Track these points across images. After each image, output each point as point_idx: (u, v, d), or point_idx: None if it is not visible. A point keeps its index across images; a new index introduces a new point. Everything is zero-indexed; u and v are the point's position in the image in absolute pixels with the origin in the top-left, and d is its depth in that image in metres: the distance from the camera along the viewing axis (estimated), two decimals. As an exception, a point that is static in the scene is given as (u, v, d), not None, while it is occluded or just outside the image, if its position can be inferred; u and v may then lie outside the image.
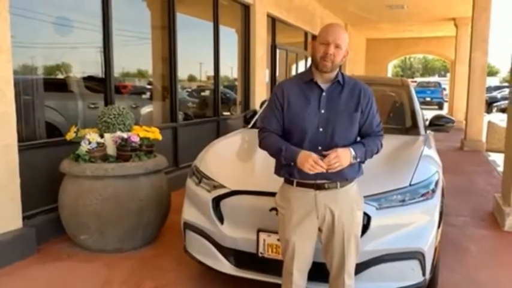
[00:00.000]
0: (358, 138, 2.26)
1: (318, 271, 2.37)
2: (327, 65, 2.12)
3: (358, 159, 2.15)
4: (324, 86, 2.19)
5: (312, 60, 2.19)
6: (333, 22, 2.30)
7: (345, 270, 2.23)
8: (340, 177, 2.16)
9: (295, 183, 2.20)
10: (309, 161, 2.02)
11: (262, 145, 2.28)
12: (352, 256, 2.24)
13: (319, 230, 2.23)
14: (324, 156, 2.06)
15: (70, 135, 3.79)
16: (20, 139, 3.65)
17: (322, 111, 2.16)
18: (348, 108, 2.18)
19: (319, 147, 2.12)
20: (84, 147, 3.62)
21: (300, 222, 2.19)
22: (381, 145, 2.29)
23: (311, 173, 2.04)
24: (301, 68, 12.53)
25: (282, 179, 2.31)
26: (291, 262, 2.24)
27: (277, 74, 10.05)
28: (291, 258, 2.24)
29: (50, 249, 3.75)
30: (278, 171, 2.28)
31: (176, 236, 3.61)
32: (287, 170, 2.19)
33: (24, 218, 3.66)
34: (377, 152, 2.27)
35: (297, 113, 2.18)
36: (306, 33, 12.26)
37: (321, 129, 2.14)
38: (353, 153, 2.10)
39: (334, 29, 2.14)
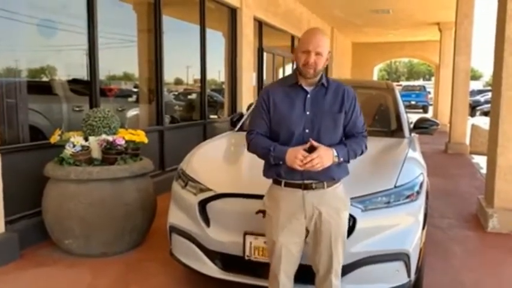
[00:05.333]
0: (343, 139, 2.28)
1: (304, 273, 2.37)
2: (309, 72, 2.17)
3: (341, 159, 2.18)
4: (308, 89, 2.23)
5: (296, 66, 2.24)
6: (312, 28, 2.32)
7: (332, 271, 2.25)
8: (327, 177, 2.19)
9: (283, 184, 2.22)
10: (299, 157, 2.06)
11: (250, 147, 2.29)
12: (339, 256, 2.26)
13: (307, 230, 2.24)
14: (310, 149, 2.09)
15: (54, 139, 3.74)
16: (3, 142, 3.59)
17: (308, 112, 2.20)
18: (332, 109, 2.22)
19: (306, 149, 2.14)
20: (68, 150, 3.57)
21: (288, 222, 2.21)
22: (365, 146, 2.32)
23: (301, 169, 2.07)
24: (288, 71, 12.58)
25: (268, 182, 2.32)
26: (278, 263, 2.25)
27: (264, 77, 10.07)
28: (278, 259, 2.24)
29: (33, 254, 3.69)
30: (266, 172, 2.29)
31: (162, 240, 3.58)
32: (275, 170, 2.22)
33: (6, 222, 3.59)
34: (361, 153, 2.30)
35: (283, 115, 2.22)
36: (292, 37, 12.32)
37: (307, 131, 2.18)
38: (335, 153, 2.13)
39: (313, 37, 2.17)
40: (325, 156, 2.08)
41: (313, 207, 2.19)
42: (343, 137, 2.28)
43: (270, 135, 2.26)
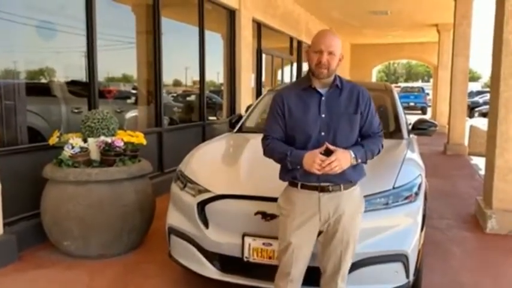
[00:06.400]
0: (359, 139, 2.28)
1: (309, 274, 2.37)
2: (322, 72, 2.17)
3: (359, 160, 2.18)
4: (322, 91, 2.23)
5: (309, 68, 2.24)
6: (324, 29, 2.33)
7: (340, 273, 2.25)
8: (344, 180, 2.19)
9: (299, 186, 2.21)
10: (317, 161, 2.05)
11: (266, 152, 2.28)
12: (348, 259, 2.27)
13: (320, 232, 2.24)
14: (326, 152, 2.08)
15: (53, 140, 3.74)
16: (1, 144, 3.58)
17: (323, 115, 2.19)
18: (347, 111, 2.22)
19: (322, 152, 2.14)
20: (67, 152, 3.57)
21: (302, 224, 2.21)
22: (382, 145, 2.32)
23: (319, 173, 2.07)
24: (287, 72, 12.59)
25: (265, 183, 2.32)
26: (290, 264, 2.24)
27: (262, 78, 10.08)
28: (290, 260, 2.24)
29: (31, 256, 3.69)
30: (283, 176, 2.29)
31: (161, 242, 3.58)
32: (291, 174, 2.22)
33: (5, 224, 3.59)
34: (378, 152, 2.31)
35: (299, 119, 2.21)
36: (291, 39, 12.34)
37: (322, 134, 2.18)
38: (353, 155, 2.13)
39: (325, 37, 2.18)
40: (343, 159, 2.08)
41: (328, 209, 2.19)
42: (359, 137, 2.28)
43: (286, 139, 2.25)
